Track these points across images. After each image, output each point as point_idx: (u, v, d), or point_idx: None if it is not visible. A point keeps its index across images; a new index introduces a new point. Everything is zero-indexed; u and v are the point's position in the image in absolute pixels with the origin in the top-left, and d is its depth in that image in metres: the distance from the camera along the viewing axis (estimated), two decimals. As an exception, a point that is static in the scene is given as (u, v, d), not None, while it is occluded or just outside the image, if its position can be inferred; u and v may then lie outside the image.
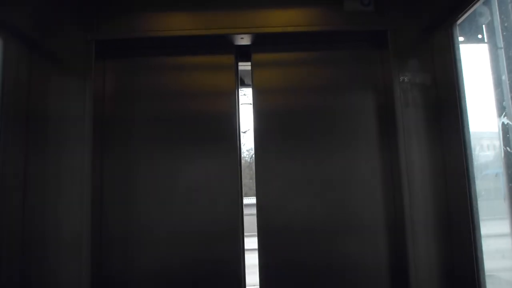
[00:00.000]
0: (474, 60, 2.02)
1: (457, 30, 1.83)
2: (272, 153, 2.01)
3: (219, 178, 2.00)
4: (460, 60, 1.80)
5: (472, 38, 2.08)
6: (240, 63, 2.18)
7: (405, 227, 1.81)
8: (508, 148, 1.71)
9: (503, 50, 1.97)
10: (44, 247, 1.82)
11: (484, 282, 1.67)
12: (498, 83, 1.93)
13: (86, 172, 1.84)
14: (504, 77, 1.82)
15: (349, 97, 2.06)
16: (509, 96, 1.80)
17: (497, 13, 1.99)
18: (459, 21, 1.84)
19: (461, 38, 2.03)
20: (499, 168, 1.77)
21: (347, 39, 2.10)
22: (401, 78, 1.93)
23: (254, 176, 2.01)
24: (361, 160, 2.00)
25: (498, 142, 1.78)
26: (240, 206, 1.98)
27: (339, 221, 1.96)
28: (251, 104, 2.08)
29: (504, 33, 1.93)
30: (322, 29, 1.98)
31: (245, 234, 2.01)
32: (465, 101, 1.76)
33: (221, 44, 2.09)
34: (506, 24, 1.90)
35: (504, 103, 1.76)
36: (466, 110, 1.75)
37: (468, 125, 1.75)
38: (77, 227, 1.81)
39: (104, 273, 1.93)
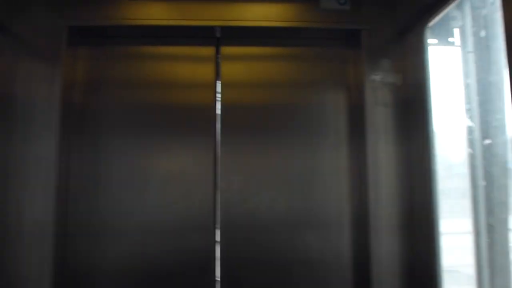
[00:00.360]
0: (451, 62, 2.07)
1: (428, 33, 1.86)
2: (238, 146, 2.03)
3: (194, 170, 1.99)
4: (428, 62, 1.83)
5: (444, 40, 2.12)
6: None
7: (369, 223, 1.85)
8: (470, 150, 1.76)
9: (472, 54, 2.02)
10: (5, 237, 1.78)
11: (442, 278, 1.72)
12: (467, 86, 1.98)
13: (52, 160, 1.81)
14: (469, 81, 1.87)
15: (319, 93, 2.08)
16: (476, 99, 1.85)
17: (469, 17, 2.04)
18: (432, 24, 1.87)
19: (434, 41, 2.07)
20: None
21: (321, 37, 2.12)
22: (373, 77, 1.95)
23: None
24: (328, 156, 2.03)
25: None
26: (213, 198, 1.98)
27: (303, 215, 1.99)
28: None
29: (474, 38, 1.97)
30: (297, 25, 1.99)
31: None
32: (430, 102, 1.80)
33: (201, 35, 2.08)
34: (474, 29, 1.94)
35: (467, 106, 1.80)
36: (431, 111, 1.79)
37: (432, 125, 1.80)
38: (41, 217, 1.78)
39: (69, 265, 1.91)
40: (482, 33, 1.87)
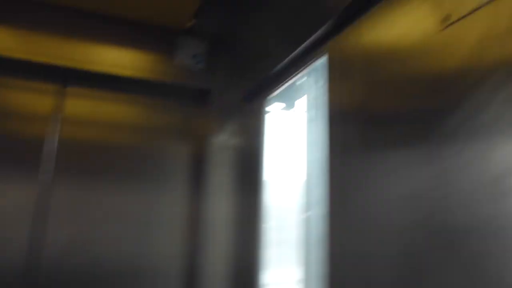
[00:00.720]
0: (295, 128, 2.24)
1: (267, 103, 1.99)
2: (72, 189, 1.90)
3: (14, 213, 1.79)
4: (265, 128, 1.95)
5: (290, 107, 2.31)
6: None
7: (198, 275, 1.85)
8: (296, 217, 1.88)
9: (312, 125, 2.22)
10: None
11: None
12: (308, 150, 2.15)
13: None
14: (305, 150, 2.03)
15: (165, 144, 2.08)
16: (307, 171, 1.99)
17: (312, 88, 2.25)
18: (275, 93, 2.01)
19: (282, 105, 2.23)
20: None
21: (174, 90, 2.13)
22: (217, 137, 2.02)
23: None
24: (165, 205, 2.02)
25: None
26: (34, 246, 1.78)
27: (133, 267, 1.92)
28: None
29: (310, 113, 2.17)
30: (148, 77, 1.97)
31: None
32: (263, 165, 1.89)
33: (46, 72, 1.93)
34: (315, 101, 2.14)
35: (301, 174, 1.94)
36: (263, 173, 1.89)
37: (263, 186, 1.88)
38: None
39: None
40: (313, 112, 2.07)
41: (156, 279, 1.93)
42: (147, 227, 1.96)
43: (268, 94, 1.98)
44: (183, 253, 2.00)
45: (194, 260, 1.92)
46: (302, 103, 2.33)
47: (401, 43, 1.12)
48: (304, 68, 1.72)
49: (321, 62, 1.69)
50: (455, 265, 0.86)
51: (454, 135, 0.91)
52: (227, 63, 2.10)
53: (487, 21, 0.86)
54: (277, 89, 1.95)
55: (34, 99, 1.92)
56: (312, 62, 1.65)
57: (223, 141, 2.02)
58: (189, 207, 2.05)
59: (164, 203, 2.02)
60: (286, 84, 1.92)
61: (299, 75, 1.86)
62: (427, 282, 0.92)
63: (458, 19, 0.92)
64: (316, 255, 1.82)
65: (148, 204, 1.99)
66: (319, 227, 1.80)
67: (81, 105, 1.98)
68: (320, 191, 1.85)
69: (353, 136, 1.30)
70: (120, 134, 2.02)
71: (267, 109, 1.98)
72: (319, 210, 1.83)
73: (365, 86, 1.27)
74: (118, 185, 1.97)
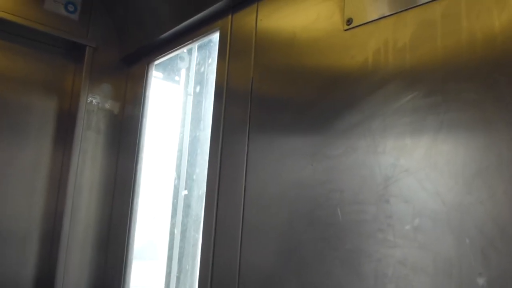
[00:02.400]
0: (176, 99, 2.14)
1: (152, 69, 1.89)
2: None
3: None
4: (148, 96, 1.85)
5: (171, 77, 2.21)
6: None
7: (61, 237, 1.70)
8: (173, 196, 1.85)
9: (195, 98, 2.18)
10: None
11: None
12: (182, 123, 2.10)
13: None
14: (185, 123, 1.99)
15: (27, 97, 1.79)
16: (185, 146, 1.96)
17: (194, 61, 2.19)
18: (159, 61, 1.90)
19: (160, 75, 2.12)
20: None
21: (41, 39, 1.82)
22: (90, 99, 1.84)
23: None
24: (27, 161, 1.76)
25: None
26: None
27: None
28: None
29: (199, 85, 2.12)
30: (10, 19, 1.67)
31: None
32: (144, 133, 1.80)
33: None
34: (201, 76, 2.09)
35: (179, 147, 1.91)
36: (143, 141, 1.80)
37: (142, 151, 1.81)
38: None
39: None
40: (197, 88, 2.04)
41: (9, 240, 1.70)
42: (4, 186, 1.70)
43: (152, 61, 1.86)
44: (43, 215, 1.78)
45: (58, 222, 1.73)
46: (185, 76, 2.27)
47: (298, 34, 1.12)
48: (194, 41, 1.65)
49: (212, 38, 1.66)
50: (333, 258, 0.91)
51: (343, 134, 0.94)
52: (106, 18, 1.89)
53: (387, 32, 0.91)
54: (161, 57, 1.84)
55: None
56: (203, 37, 1.59)
57: (97, 106, 1.85)
58: (54, 167, 1.82)
59: (25, 159, 1.75)
60: (172, 54, 1.83)
61: (187, 47, 1.79)
62: (305, 270, 0.96)
63: (360, 24, 0.97)
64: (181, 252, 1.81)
65: (6, 161, 1.72)
66: (196, 203, 1.80)
67: None
68: (197, 169, 1.84)
69: (238, 117, 1.27)
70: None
71: (149, 76, 1.87)
72: (196, 189, 1.83)
73: (255, 69, 1.25)
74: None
